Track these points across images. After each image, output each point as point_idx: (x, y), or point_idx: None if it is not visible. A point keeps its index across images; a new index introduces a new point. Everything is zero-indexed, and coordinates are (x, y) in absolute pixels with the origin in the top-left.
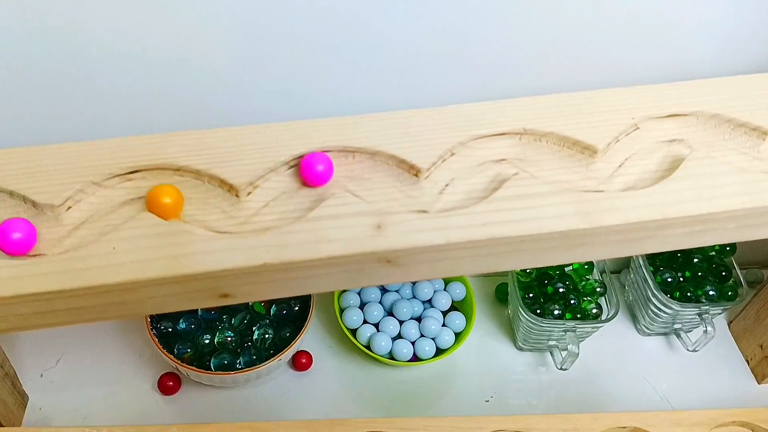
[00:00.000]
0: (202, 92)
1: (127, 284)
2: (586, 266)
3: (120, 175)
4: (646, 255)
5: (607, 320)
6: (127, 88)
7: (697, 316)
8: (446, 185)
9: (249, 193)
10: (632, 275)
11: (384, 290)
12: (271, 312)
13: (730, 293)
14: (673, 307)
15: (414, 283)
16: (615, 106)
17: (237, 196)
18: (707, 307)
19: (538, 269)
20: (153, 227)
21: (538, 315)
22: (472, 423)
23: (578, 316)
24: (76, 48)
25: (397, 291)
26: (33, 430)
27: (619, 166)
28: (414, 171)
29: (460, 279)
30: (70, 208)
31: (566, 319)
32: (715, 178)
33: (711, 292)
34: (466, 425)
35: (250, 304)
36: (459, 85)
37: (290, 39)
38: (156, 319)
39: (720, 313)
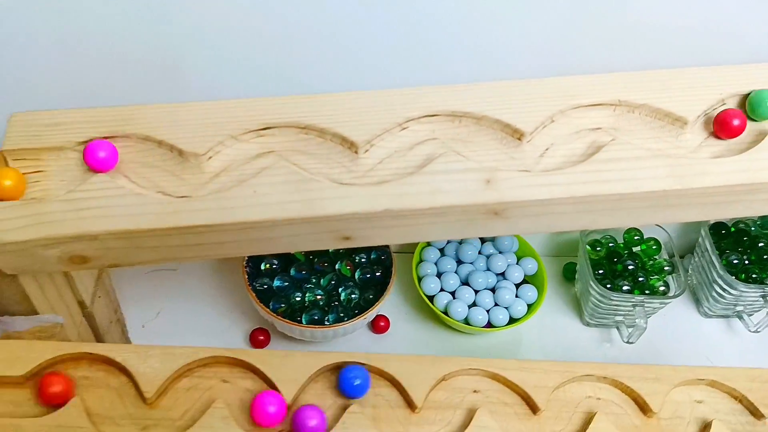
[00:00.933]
0: (322, 62)
1: (267, 222)
2: (654, 246)
3: (254, 130)
4: (713, 238)
5: (676, 296)
6: (256, 54)
7: (761, 298)
8: (546, 149)
9: (366, 150)
10: (697, 259)
11: (459, 262)
12: (356, 276)
13: None
14: (739, 288)
15: (488, 256)
16: (703, 83)
17: (356, 152)
18: None
19: (607, 248)
20: (289, 175)
21: (609, 290)
22: (562, 367)
23: (646, 292)
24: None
25: (471, 263)
26: (141, 347)
27: (706, 137)
28: (517, 135)
29: (532, 254)
30: (210, 158)
31: (635, 294)
32: None
33: None
34: (559, 368)
35: (337, 267)
36: (556, 59)
37: (403, 19)
38: (253, 278)
39: None
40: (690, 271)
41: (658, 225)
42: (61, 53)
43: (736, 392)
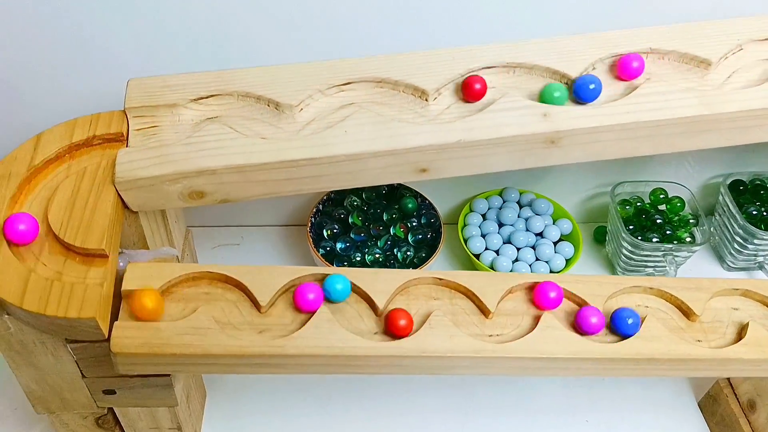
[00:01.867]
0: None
1: (359, 155)
2: (678, 204)
3: (337, 85)
4: (732, 194)
5: (701, 244)
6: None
7: None
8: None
9: (435, 98)
10: (718, 217)
11: (501, 225)
12: (410, 239)
13: None
14: (759, 236)
15: (527, 219)
16: (723, 31)
17: (426, 100)
18: None
19: (636, 206)
20: (372, 118)
21: (640, 240)
22: (614, 280)
23: (674, 242)
24: None
25: (512, 225)
26: (251, 267)
27: (728, 77)
28: (565, 80)
29: (566, 216)
30: (302, 110)
31: (664, 243)
32: None
33: None
34: (611, 281)
35: (392, 231)
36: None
37: None
38: (317, 243)
39: None
40: (713, 230)
41: (681, 184)
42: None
43: (767, 300)
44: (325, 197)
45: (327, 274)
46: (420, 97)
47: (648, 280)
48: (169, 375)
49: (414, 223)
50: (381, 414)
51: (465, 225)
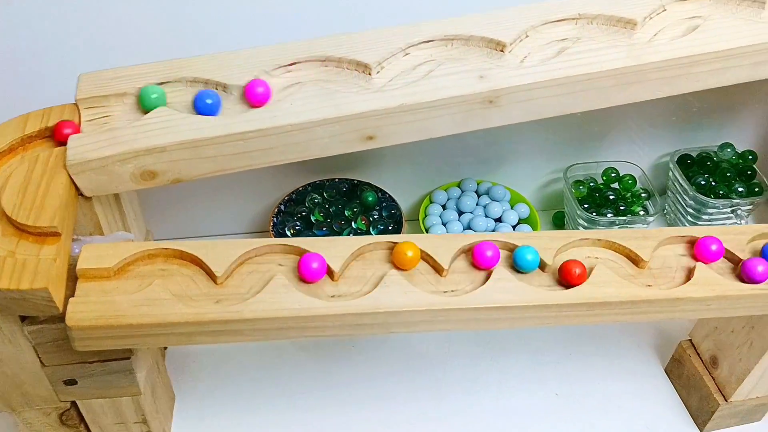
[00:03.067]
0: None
1: (305, 124)
2: (629, 181)
3: (283, 66)
4: (680, 168)
5: (654, 214)
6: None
7: (732, 214)
8: (525, 57)
9: (378, 72)
10: (671, 194)
11: (460, 213)
12: (372, 231)
13: (756, 189)
14: (710, 204)
15: (485, 206)
16: None
17: (369, 74)
18: (738, 200)
19: (589, 186)
20: (319, 90)
21: (595, 216)
22: (563, 234)
23: (628, 216)
24: None
25: (471, 212)
26: (207, 242)
27: (654, 35)
28: (500, 47)
29: (523, 201)
30: None
31: (617, 216)
32: (730, 30)
33: (740, 189)
34: (560, 236)
35: (353, 224)
36: None
37: None
38: (279, 233)
39: (749, 208)
40: (666, 208)
41: (631, 162)
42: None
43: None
44: (286, 198)
45: (287, 245)
46: (363, 71)
47: (596, 233)
48: (129, 358)
49: (375, 216)
50: (352, 407)
51: (426, 216)
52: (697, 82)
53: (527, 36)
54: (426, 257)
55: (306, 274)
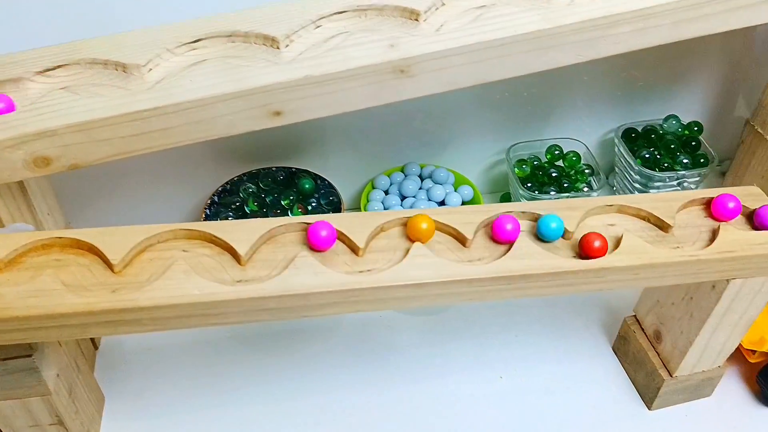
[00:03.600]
0: None
1: (203, 101)
2: (574, 158)
3: (187, 43)
4: (625, 142)
5: (598, 190)
6: None
7: (677, 186)
8: (441, 25)
9: (287, 45)
10: (618, 169)
11: (403, 197)
12: None
13: (702, 160)
14: (655, 177)
15: (428, 189)
16: None
17: (278, 48)
18: (683, 172)
19: (532, 165)
20: (221, 65)
21: (536, 194)
22: (487, 208)
23: (571, 193)
24: None
25: (414, 197)
26: (105, 228)
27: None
28: (414, 16)
29: (467, 183)
30: (151, 69)
31: (560, 194)
32: None
33: (685, 161)
34: (484, 209)
35: (290, 213)
36: None
37: None
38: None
39: (697, 180)
40: (615, 185)
41: (575, 139)
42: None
43: (643, 212)
44: (220, 188)
45: (192, 230)
46: (272, 45)
47: (519, 205)
48: (31, 356)
49: (313, 204)
50: (293, 399)
51: (368, 201)
52: (618, 44)
53: (443, 4)
54: (342, 237)
55: None
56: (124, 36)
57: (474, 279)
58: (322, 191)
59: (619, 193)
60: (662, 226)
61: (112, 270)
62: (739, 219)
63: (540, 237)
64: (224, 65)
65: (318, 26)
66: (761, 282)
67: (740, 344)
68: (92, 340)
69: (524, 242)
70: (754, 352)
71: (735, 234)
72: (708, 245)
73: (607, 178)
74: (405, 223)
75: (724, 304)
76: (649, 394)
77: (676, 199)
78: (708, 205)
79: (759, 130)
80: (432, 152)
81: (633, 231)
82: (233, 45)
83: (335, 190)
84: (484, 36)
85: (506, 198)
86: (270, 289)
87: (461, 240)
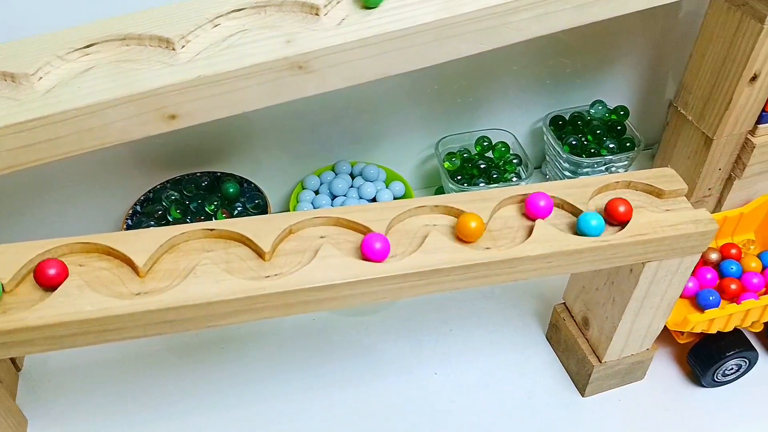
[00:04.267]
0: None
1: (93, 107)
2: (503, 149)
3: (79, 48)
4: (553, 130)
5: (526, 179)
6: None
7: (605, 170)
8: (342, 19)
9: (183, 46)
10: (549, 157)
11: (333, 197)
12: None
13: (628, 144)
14: (583, 162)
15: (359, 187)
16: None
17: (173, 49)
18: (610, 157)
19: (462, 157)
20: (113, 70)
21: (465, 186)
22: (398, 204)
23: (500, 183)
24: None
25: (344, 195)
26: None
27: None
28: (314, 10)
29: (398, 179)
30: (41, 78)
31: (489, 185)
32: None
33: (611, 145)
34: (395, 205)
35: (215, 219)
36: None
37: None
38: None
39: (625, 164)
40: (547, 173)
41: (503, 129)
42: None
43: (557, 199)
44: (143, 197)
45: (82, 242)
46: (167, 47)
47: (433, 199)
48: None
49: (239, 208)
50: (227, 409)
51: (298, 203)
52: (521, 31)
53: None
54: (246, 242)
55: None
56: (12, 45)
57: (384, 277)
58: (248, 195)
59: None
60: (576, 212)
61: (3, 290)
62: (654, 201)
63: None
64: (116, 69)
65: (216, 25)
66: (677, 263)
67: (666, 326)
68: (13, 361)
69: (436, 237)
70: (682, 333)
71: (648, 216)
72: (622, 229)
73: (541, 167)
74: (317, 224)
75: (642, 287)
76: (581, 381)
77: (589, 184)
78: (625, 188)
79: (682, 111)
80: (364, 149)
81: (547, 219)
82: (127, 48)
83: (261, 193)
84: (383, 28)
85: (440, 192)
86: (168, 301)
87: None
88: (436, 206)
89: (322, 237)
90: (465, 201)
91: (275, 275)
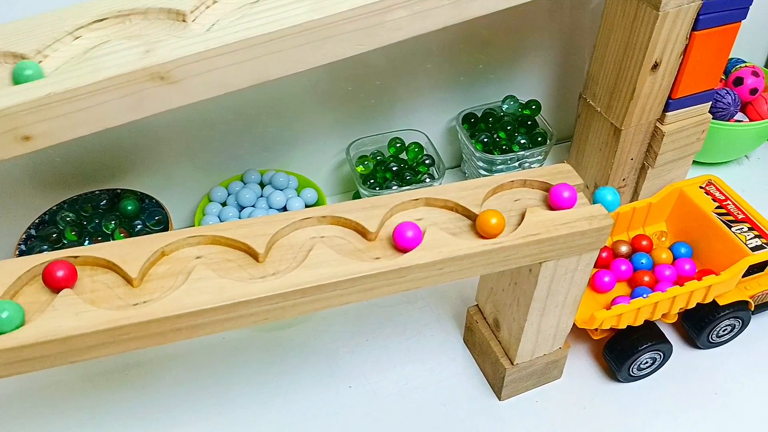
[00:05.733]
0: None
1: None
2: (416, 149)
3: None
4: (466, 128)
5: (439, 179)
6: None
7: (518, 166)
8: (212, 25)
9: (40, 62)
10: (465, 156)
11: (241, 208)
12: None
13: (539, 139)
14: (496, 160)
15: (268, 197)
16: None
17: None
18: (523, 152)
19: (375, 161)
20: None
21: (378, 190)
22: (282, 217)
23: (413, 185)
24: None
25: (252, 206)
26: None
27: None
28: (181, 17)
29: (310, 185)
30: None
31: (403, 187)
32: None
33: (522, 141)
34: (278, 218)
35: (113, 239)
36: None
37: None
38: None
39: (540, 159)
40: (466, 171)
41: (416, 130)
42: None
43: (450, 203)
44: (37, 220)
45: None
46: (22, 59)
47: (321, 210)
48: None
49: (139, 226)
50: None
51: (204, 216)
52: (400, 30)
53: (215, 2)
54: (114, 268)
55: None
56: None
57: (263, 298)
58: (148, 211)
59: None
60: (470, 215)
61: None
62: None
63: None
64: None
65: (77, 37)
66: (575, 261)
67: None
68: None
69: (321, 250)
70: (596, 329)
71: (540, 215)
72: (515, 230)
73: (460, 166)
74: (194, 243)
75: (543, 287)
76: (497, 384)
77: (483, 185)
78: (521, 187)
79: (591, 102)
80: (277, 156)
81: (440, 224)
82: None
83: (162, 208)
84: (248, 33)
85: (357, 197)
86: (22, 338)
87: (254, 255)
88: (323, 217)
89: (198, 257)
90: (353, 210)
91: (143, 302)
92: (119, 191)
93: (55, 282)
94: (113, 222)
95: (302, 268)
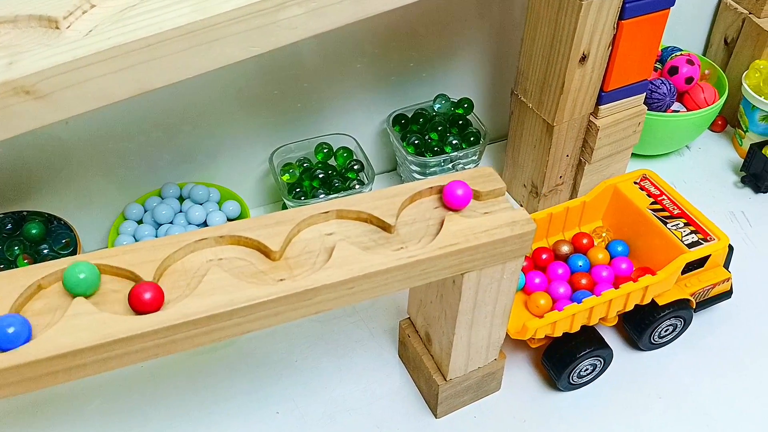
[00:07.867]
0: None
1: None
2: (345, 154)
3: None
4: (396, 129)
5: (368, 185)
6: None
7: (451, 167)
8: (90, 30)
9: None
10: (398, 159)
11: (158, 225)
12: None
13: (472, 138)
14: (429, 162)
15: (186, 212)
16: None
17: None
18: (456, 153)
19: (302, 168)
20: None
21: (303, 201)
22: (174, 239)
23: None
24: None
25: (170, 222)
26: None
27: None
28: (54, 24)
29: (233, 197)
30: None
31: (330, 195)
32: None
33: (454, 141)
34: (170, 241)
35: (18, 266)
36: None
37: None
38: None
39: (475, 159)
40: (402, 176)
41: (343, 134)
42: None
43: (363, 214)
44: None
45: None
46: None
47: (216, 229)
48: None
49: (45, 251)
50: None
51: (119, 235)
52: (296, 29)
53: (93, 6)
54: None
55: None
56: None
57: (148, 332)
58: (55, 234)
59: (405, 181)
60: (385, 226)
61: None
62: (473, 204)
63: None
64: None
65: None
66: (500, 269)
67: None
68: None
69: (217, 274)
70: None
71: (459, 224)
72: (432, 240)
73: (396, 170)
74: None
75: (468, 299)
76: (432, 401)
77: (400, 193)
78: (438, 193)
79: (522, 99)
80: (198, 168)
81: (352, 238)
82: None
83: (70, 230)
84: (124, 38)
85: (285, 208)
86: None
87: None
88: (221, 237)
89: None
90: (254, 227)
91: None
92: (24, 213)
93: None
94: (16, 247)
95: (193, 296)
